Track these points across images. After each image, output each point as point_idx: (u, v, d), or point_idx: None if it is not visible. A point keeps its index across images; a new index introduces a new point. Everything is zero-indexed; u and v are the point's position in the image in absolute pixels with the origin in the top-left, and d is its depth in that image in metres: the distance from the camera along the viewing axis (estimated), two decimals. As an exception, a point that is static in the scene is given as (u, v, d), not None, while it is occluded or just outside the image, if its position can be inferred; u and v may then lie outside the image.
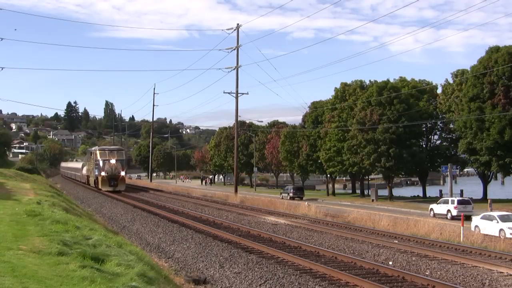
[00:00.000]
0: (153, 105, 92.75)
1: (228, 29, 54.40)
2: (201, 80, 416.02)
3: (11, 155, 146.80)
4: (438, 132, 64.96)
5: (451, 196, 46.00)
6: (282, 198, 59.37)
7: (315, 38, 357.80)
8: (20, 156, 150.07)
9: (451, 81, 60.38)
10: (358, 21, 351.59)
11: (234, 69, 53.55)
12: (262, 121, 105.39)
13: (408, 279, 14.87)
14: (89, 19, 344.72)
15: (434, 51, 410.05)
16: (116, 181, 53.74)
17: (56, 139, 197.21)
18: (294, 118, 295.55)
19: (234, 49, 53.57)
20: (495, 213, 30.11)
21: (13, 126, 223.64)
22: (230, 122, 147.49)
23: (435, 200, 47.19)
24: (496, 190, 75.58)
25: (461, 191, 65.53)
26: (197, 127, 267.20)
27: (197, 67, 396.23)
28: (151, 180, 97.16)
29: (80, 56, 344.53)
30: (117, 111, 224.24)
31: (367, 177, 77.53)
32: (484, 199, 55.00)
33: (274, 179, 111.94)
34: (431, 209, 42.17)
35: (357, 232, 25.83)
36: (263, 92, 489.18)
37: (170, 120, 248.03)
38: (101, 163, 53.94)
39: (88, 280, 7.57)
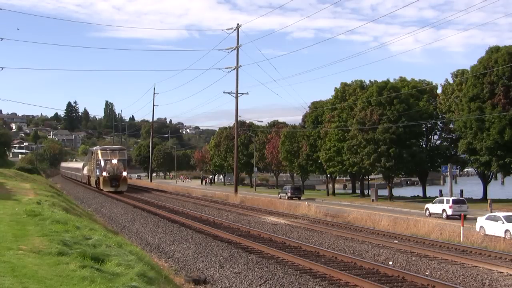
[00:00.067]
0: (153, 105, 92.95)
1: (228, 29, 54.48)
2: (201, 80, 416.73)
3: (11, 155, 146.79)
4: (438, 132, 65.00)
5: (451, 196, 46.06)
6: (280, 198, 59.71)
7: (315, 38, 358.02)
8: (20, 156, 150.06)
9: (451, 81, 60.40)
10: (358, 21, 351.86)
11: (234, 69, 53.59)
12: (262, 121, 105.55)
13: (408, 279, 14.87)
14: (89, 19, 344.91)
15: (434, 51, 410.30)
16: (118, 181, 52.79)
17: (56, 139, 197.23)
18: (294, 118, 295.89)
19: (234, 49, 53.61)
20: (501, 214, 29.83)
21: (13, 126, 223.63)
22: (230, 122, 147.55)
23: (435, 200, 47.28)
24: (496, 190, 75.58)
25: (461, 191, 65.53)
26: (197, 127, 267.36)
27: (197, 67, 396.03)
28: (151, 180, 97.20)
29: (80, 56, 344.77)
30: (117, 111, 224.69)
31: (367, 177, 77.55)
32: (484, 199, 55.02)
33: (274, 179, 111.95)
34: (427, 208, 42.51)
35: (357, 232, 25.83)
36: (263, 92, 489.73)
37: (170, 120, 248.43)
38: (102, 163, 53.05)
39: (88, 280, 7.57)
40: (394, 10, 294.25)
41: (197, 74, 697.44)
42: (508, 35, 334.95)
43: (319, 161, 72.04)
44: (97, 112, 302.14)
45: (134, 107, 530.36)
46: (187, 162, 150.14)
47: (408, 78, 67.40)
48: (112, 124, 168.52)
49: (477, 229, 29.40)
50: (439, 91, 63.77)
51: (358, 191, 75.61)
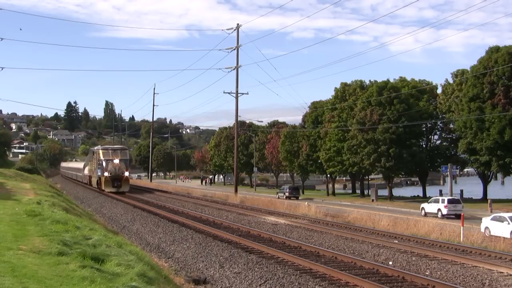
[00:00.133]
0: (153, 105, 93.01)
1: (228, 29, 54.50)
2: (201, 80, 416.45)
3: (11, 155, 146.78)
4: (438, 132, 64.96)
5: (451, 196, 46.12)
6: (278, 197, 60.01)
7: (315, 38, 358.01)
8: (20, 156, 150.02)
9: (451, 81, 60.38)
10: (358, 21, 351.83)
11: (234, 69, 53.60)
12: (262, 121, 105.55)
13: (408, 279, 14.87)
14: (89, 19, 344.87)
15: (434, 51, 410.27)
16: (119, 181, 51.71)
17: (56, 139, 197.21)
18: (294, 118, 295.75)
19: (234, 49, 53.62)
20: (506, 215, 29.45)
21: (13, 126, 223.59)
22: (230, 122, 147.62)
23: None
24: (496, 190, 75.57)
25: (461, 191, 65.52)
26: (197, 127, 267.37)
27: (197, 67, 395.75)
28: (151, 180, 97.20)
29: (80, 56, 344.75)
30: (117, 111, 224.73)
31: (367, 177, 77.54)
32: (484, 199, 55.02)
33: (274, 179, 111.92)
34: (422, 208, 42.83)
35: (357, 232, 25.83)
36: (263, 92, 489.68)
37: (170, 120, 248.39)
38: (104, 163, 51.99)
39: (88, 280, 7.57)
40: (394, 10, 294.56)
41: (197, 74, 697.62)
42: (508, 35, 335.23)
43: (319, 161, 72.03)
44: (97, 112, 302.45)
45: (134, 107, 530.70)
46: (187, 162, 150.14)
47: (408, 78, 67.43)
48: (112, 124, 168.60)
49: (482, 229, 29.07)
50: (439, 91, 63.76)
51: (358, 191, 75.59)
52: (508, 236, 26.97)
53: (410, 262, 18.07)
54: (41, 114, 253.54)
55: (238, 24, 53.29)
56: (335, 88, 72.85)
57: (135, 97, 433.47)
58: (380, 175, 73.20)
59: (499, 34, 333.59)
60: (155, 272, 11.34)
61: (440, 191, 64.64)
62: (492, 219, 29.49)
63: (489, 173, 59.14)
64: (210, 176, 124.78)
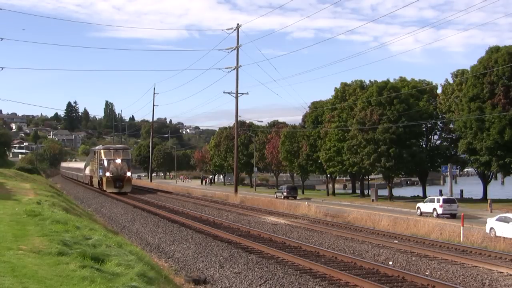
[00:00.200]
0: (153, 105, 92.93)
1: (228, 29, 54.50)
2: (201, 80, 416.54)
3: (11, 155, 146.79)
4: (438, 132, 64.93)
5: (451, 196, 46.20)
6: (277, 197, 60.21)
7: (315, 38, 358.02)
8: (20, 156, 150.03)
9: (451, 81, 60.36)
10: (358, 21, 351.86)
11: (234, 69, 53.60)
12: (262, 121, 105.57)
13: (408, 279, 14.87)
14: (89, 19, 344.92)
15: (434, 51, 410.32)
16: (121, 182, 50.62)
17: (56, 139, 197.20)
18: (294, 118, 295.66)
19: (234, 49, 53.62)
20: None
21: (13, 126, 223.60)
22: (230, 122, 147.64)
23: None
24: (496, 190, 75.59)
25: (461, 191, 65.60)
26: (197, 127, 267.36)
27: (197, 67, 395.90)
28: (151, 180, 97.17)
29: (80, 56, 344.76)
30: (117, 111, 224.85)
31: (367, 177, 77.53)
32: (484, 199, 55.02)
33: (274, 179, 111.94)
34: (418, 207, 43.20)
35: (357, 232, 25.83)
36: (263, 92, 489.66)
37: (170, 120, 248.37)
38: (105, 163, 50.87)
39: (88, 280, 7.57)
40: (394, 10, 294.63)
41: (197, 74, 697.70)
42: (508, 35, 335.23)
43: (319, 161, 72.03)
44: (97, 112, 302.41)
45: (134, 107, 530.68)
46: (187, 162, 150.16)
47: (408, 78, 67.39)
48: (112, 124, 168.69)
49: (487, 230, 28.78)
50: (439, 91, 63.73)
51: (358, 191, 75.59)
52: None
53: (410, 262, 18.07)
54: (41, 114, 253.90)
55: (238, 24, 53.36)
56: (335, 88, 72.91)
57: (135, 97, 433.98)
58: (380, 175, 73.19)
59: (499, 34, 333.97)
60: (155, 272, 11.34)
61: (440, 191, 64.64)
62: (497, 219, 29.04)
63: (489, 173, 59.14)
64: (210, 176, 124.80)
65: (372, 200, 59.45)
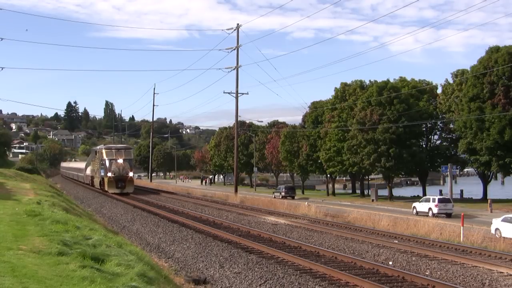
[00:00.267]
0: (153, 105, 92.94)
1: (228, 29, 54.48)
2: (201, 80, 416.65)
3: (11, 155, 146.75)
4: (438, 132, 64.93)
5: (451, 196, 46.26)
6: (275, 197, 60.41)
7: (315, 38, 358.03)
8: (20, 156, 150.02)
9: (451, 81, 60.36)
10: (358, 21, 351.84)
11: (234, 69, 53.59)
12: (262, 121, 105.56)
13: (408, 279, 14.87)
14: (89, 19, 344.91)
15: (434, 51, 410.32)
16: (124, 182, 49.61)
17: (56, 139, 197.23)
18: (294, 118, 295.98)
19: (234, 49, 53.61)
20: None
21: (13, 126, 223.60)
22: (230, 122, 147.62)
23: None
24: (496, 190, 75.60)
25: (461, 191, 65.64)
26: (197, 127, 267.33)
27: (197, 67, 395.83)
28: (151, 180, 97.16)
29: (80, 56, 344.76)
30: (117, 111, 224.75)
31: (367, 177, 77.55)
32: (484, 199, 55.03)
33: (274, 179, 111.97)
34: (414, 207, 43.59)
35: (357, 232, 25.83)
36: (263, 92, 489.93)
37: (170, 120, 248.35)
38: (107, 163, 49.89)
39: (88, 280, 7.57)
40: (394, 10, 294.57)
41: (197, 74, 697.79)
42: (508, 35, 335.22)
43: (319, 161, 72.05)
44: (97, 112, 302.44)
45: (134, 107, 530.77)
46: (187, 162, 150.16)
47: (408, 78, 67.38)
48: (112, 124, 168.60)
49: (492, 231, 28.58)
50: (439, 91, 63.73)
51: (358, 191, 75.60)
52: None
53: (410, 262, 18.07)
54: (41, 114, 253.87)
55: (238, 24, 53.35)
56: (335, 88, 72.93)
57: (135, 97, 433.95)
58: (380, 175, 73.20)
59: (499, 34, 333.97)
60: (155, 272, 11.34)
61: (440, 191, 64.65)
62: (503, 220, 28.73)
63: (489, 173, 59.15)
64: (210, 176, 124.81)
65: (372, 200, 59.47)
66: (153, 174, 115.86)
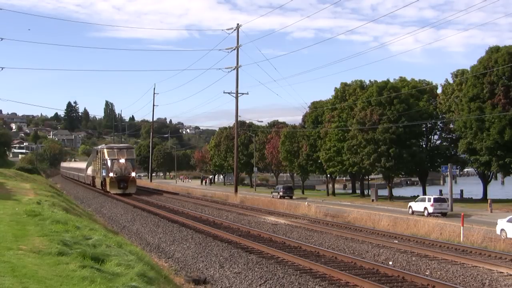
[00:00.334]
0: (153, 105, 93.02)
1: (228, 29, 54.48)
2: (201, 80, 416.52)
3: (11, 155, 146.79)
4: (438, 132, 64.90)
5: (451, 196, 46.29)
6: (273, 197, 60.63)
7: (315, 38, 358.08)
8: (20, 156, 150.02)
9: (451, 81, 60.34)
10: (358, 21, 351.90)
11: (234, 69, 53.59)
12: (262, 121, 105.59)
13: (408, 279, 14.87)
14: (89, 19, 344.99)
15: (434, 51, 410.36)
16: (126, 182, 48.69)
17: (56, 139, 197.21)
18: (294, 118, 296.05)
19: (234, 49, 53.61)
20: None
21: (13, 126, 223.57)
22: (230, 122, 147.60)
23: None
24: (496, 190, 75.59)
25: (461, 191, 65.61)
26: (197, 127, 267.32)
27: (197, 67, 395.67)
28: (151, 180, 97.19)
29: (80, 56, 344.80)
30: (117, 111, 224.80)
31: (367, 177, 77.53)
32: (484, 199, 55.02)
33: (274, 179, 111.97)
34: (410, 206, 44.11)
35: (357, 232, 25.83)
36: (263, 92, 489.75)
37: (170, 120, 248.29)
38: (109, 163, 48.87)
39: (88, 280, 7.57)
40: (394, 10, 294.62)
41: (197, 74, 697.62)
42: (508, 35, 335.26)
43: (319, 161, 72.03)
44: (97, 112, 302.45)
45: (134, 107, 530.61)
46: (187, 162, 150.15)
47: (408, 78, 67.33)
48: (112, 124, 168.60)
49: (498, 232, 28.34)
50: (439, 91, 63.70)
51: (358, 191, 75.59)
52: None
53: (410, 262, 18.07)
54: (41, 114, 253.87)
55: (238, 24, 53.34)
56: (335, 88, 72.90)
57: (135, 97, 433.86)
58: (380, 175, 73.18)
59: (499, 34, 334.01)
60: (155, 272, 11.34)
61: (440, 191, 64.67)
62: (508, 220, 28.43)
63: (489, 173, 59.14)
64: (210, 176, 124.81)
65: (372, 200, 59.46)
66: (153, 174, 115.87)
